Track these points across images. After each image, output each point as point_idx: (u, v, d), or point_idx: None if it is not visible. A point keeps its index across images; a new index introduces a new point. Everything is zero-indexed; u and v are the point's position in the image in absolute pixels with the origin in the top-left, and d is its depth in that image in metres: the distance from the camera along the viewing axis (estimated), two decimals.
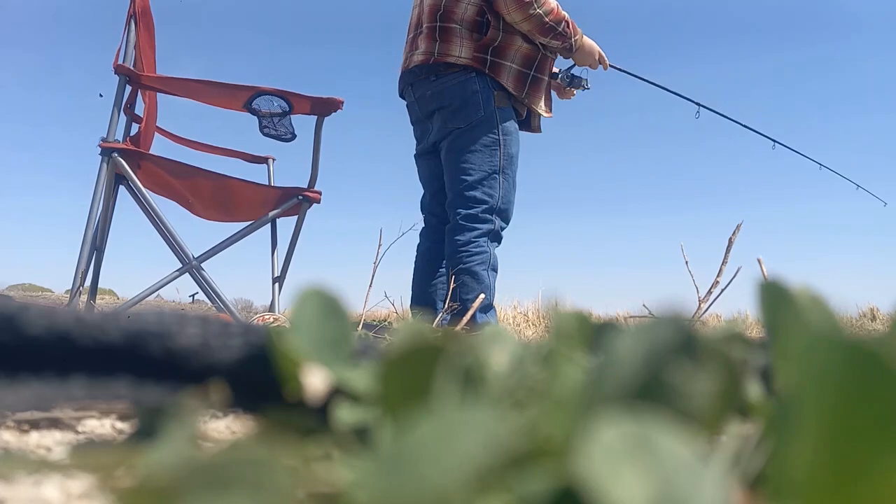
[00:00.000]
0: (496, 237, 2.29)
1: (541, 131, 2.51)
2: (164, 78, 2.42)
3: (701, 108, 2.84)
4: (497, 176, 2.27)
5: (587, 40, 2.40)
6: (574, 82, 2.60)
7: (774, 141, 2.99)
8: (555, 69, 2.51)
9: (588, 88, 2.62)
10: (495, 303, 2.37)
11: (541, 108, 2.38)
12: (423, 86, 2.37)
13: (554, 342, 0.36)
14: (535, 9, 2.20)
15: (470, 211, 2.25)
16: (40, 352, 0.40)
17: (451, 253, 2.26)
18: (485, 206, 2.26)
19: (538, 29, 2.25)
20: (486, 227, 2.25)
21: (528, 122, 2.48)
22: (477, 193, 2.26)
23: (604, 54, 2.47)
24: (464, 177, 2.28)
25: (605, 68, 2.51)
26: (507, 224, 2.34)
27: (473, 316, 1.97)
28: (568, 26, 2.28)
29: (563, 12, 2.29)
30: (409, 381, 0.29)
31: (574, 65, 2.54)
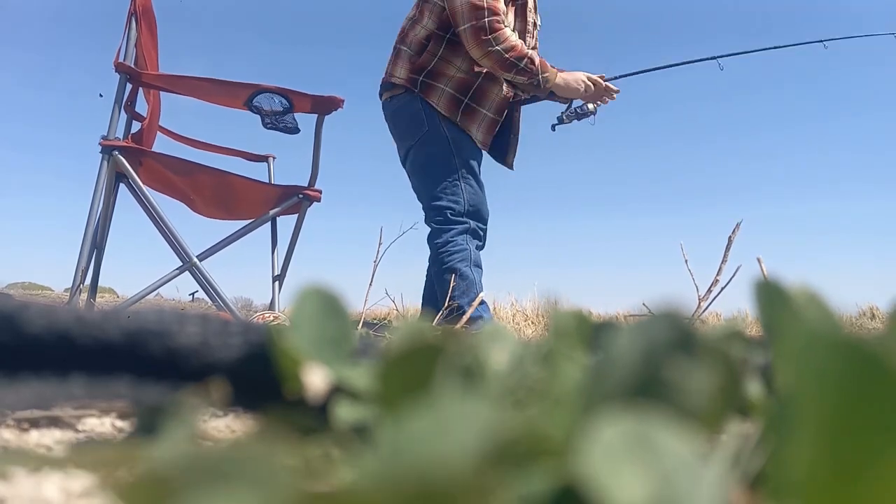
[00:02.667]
0: (475, 234, 2.35)
1: (512, 168, 2.57)
2: (165, 76, 2.42)
3: (720, 59, 2.74)
4: (458, 182, 2.34)
5: (565, 75, 2.39)
6: (580, 115, 2.58)
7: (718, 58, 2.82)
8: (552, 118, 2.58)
9: (594, 114, 2.58)
10: (493, 300, 2.41)
11: (475, 135, 2.40)
12: (384, 106, 2.50)
13: (553, 341, 0.36)
14: (493, 45, 2.24)
15: (441, 217, 2.32)
16: (40, 350, 0.40)
17: (434, 256, 2.33)
18: (452, 210, 2.32)
19: (499, 65, 2.28)
20: (460, 227, 2.31)
21: (503, 156, 2.55)
22: (443, 203, 2.33)
23: (596, 79, 2.44)
24: (428, 191, 2.37)
25: (604, 92, 2.48)
26: (484, 222, 2.39)
27: (476, 313, 2.06)
28: (532, 63, 2.30)
29: (528, 50, 2.31)
30: (409, 380, 0.29)
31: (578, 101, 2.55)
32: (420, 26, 2.38)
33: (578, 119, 2.59)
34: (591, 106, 2.56)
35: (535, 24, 2.55)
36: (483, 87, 2.37)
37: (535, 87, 2.35)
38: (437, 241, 2.31)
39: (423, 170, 2.40)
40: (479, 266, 2.31)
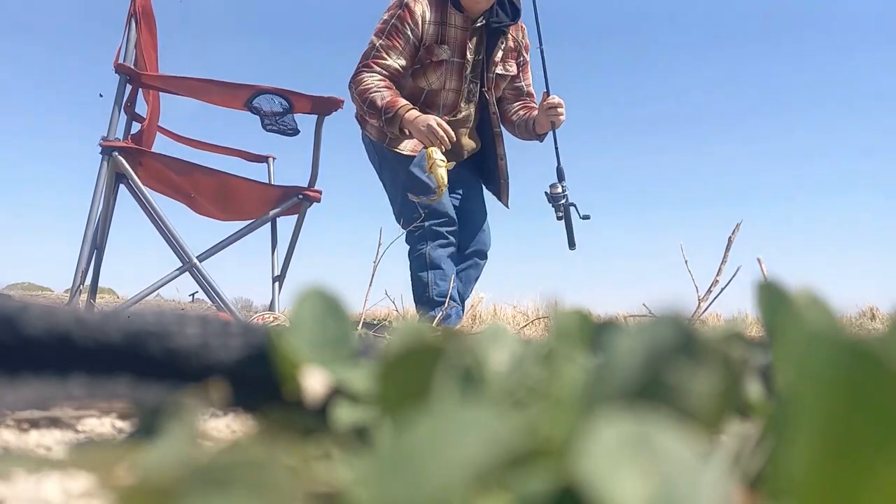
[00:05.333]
0: (433, 234, 2.54)
1: (508, 207, 2.78)
2: (165, 77, 2.42)
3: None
4: (408, 194, 2.56)
5: (414, 117, 2.42)
6: (555, 202, 2.61)
7: None
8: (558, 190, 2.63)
9: (558, 216, 2.61)
10: (494, 300, 2.56)
11: (402, 148, 2.57)
12: None
13: (554, 341, 0.36)
14: (351, 90, 2.52)
15: (406, 227, 2.54)
16: (40, 351, 0.40)
17: None
18: (410, 221, 2.51)
19: (358, 108, 2.55)
20: (417, 234, 2.54)
21: (498, 197, 2.79)
22: (404, 218, 2.57)
23: (435, 127, 2.40)
24: (392, 208, 2.69)
25: (443, 144, 2.43)
26: (443, 216, 2.55)
27: (438, 314, 2.30)
28: (374, 106, 2.44)
29: (377, 94, 2.44)
30: (408, 381, 0.29)
31: (557, 186, 2.63)
32: None
33: (553, 203, 2.63)
34: (566, 206, 2.61)
35: (498, 74, 2.68)
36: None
37: (383, 126, 2.50)
38: (407, 252, 2.60)
39: (388, 194, 2.71)
40: (436, 266, 2.52)
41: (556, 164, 2.65)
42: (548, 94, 2.61)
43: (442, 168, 2.37)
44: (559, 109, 2.59)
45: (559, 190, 2.59)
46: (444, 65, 2.53)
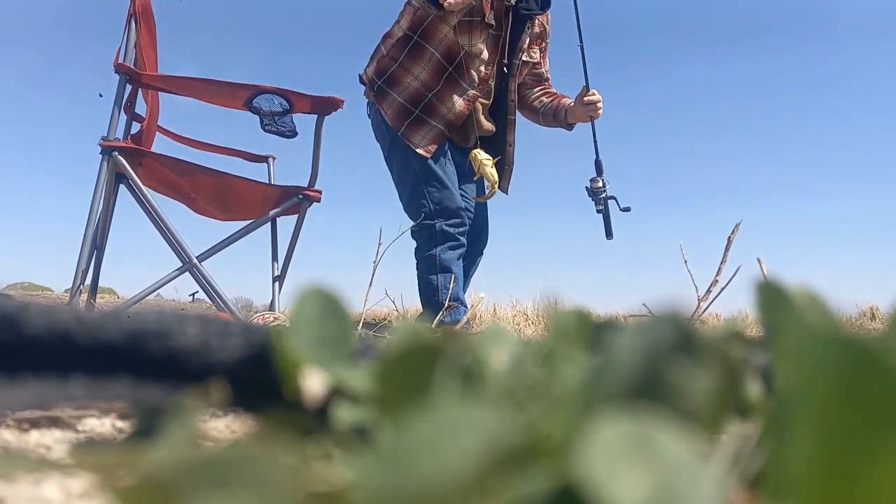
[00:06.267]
0: (444, 234, 2.45)
1: (507, 193, 2.67)
2: (165, 76, 2.42)
3: None
4: (420, 187, 2.46)
5: None
6: (595, 197, 2.55)
7: None
8: (599, 184, 2.56)
9: (598, 209, 2.54)
10: (493, 300, 2.50)
11: (417, 144, 2.46)
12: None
13: (553, 341, 0.36)
14: None
15: (413, 224, 2.44)
16: (40, 351, 0.40)
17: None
18: (420, 216, 2.43)
19: None
20: (427, 233, 2.44)
21: (498, 182, 2.67)
22: (412, 210, 2.48)
23: None
24: (400, 198, 2.56)
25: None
26: (455, 215, 2.46)
27: (446, 317, 2.24)
28: None
29: None
30: (407, 381, 0.29)
31: (598, 181, 2.55)
32: (397, 26, 2.49)
33: (593, 198, 2.58)
34: (603, 198, 2.56)
35: (523, 61, 2.61)
36: (434, 103, 2.45)
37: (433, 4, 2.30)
38: (414, 249, 2.49)
39: (395, 180, 2.57)
40: (447, 270, 2.41)
41: (594, 157, 2.60)
42: (587, 88, 2.56)
43: (489, 166, 2.35)
44: (598, 104, 2.56)
45: (599, 184, 2.56)
46: (487, 30, 2.44)
